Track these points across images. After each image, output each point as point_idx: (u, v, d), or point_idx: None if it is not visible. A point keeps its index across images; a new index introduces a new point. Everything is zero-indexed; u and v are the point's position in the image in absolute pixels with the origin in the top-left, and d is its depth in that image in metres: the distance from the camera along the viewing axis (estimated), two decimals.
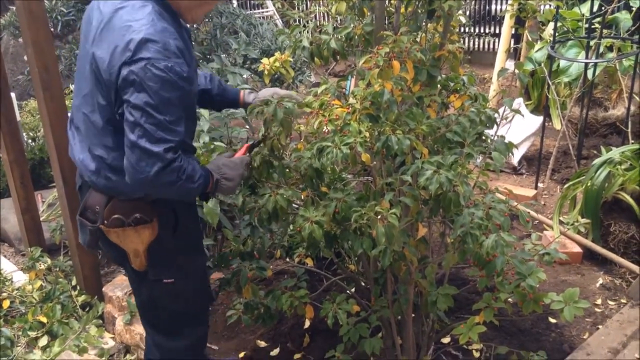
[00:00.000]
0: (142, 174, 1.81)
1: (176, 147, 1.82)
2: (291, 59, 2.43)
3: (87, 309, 3.19)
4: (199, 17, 2.10)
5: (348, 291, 2.61)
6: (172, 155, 1.81)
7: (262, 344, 2.96)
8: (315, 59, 2.29)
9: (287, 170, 2.19)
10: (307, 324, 2.98)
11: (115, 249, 2.09)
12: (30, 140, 4.93)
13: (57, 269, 3.50)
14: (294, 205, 2.20)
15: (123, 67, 1.78)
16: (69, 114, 2.15)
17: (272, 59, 2.43)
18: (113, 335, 3.04)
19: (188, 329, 2.30)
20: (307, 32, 2.32)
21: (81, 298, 3.21)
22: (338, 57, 2.27)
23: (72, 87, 5.54)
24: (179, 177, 1.85)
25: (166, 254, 2.10)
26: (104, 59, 1.84)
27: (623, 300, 3.21)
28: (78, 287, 3.28)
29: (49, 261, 3.52)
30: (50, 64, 2.88)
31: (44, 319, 3.03)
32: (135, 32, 1.79)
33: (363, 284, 2.63)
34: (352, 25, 2.25)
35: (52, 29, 5.28)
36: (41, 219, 3.87)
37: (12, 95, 4.08)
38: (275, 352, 2.89)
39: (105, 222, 2.01)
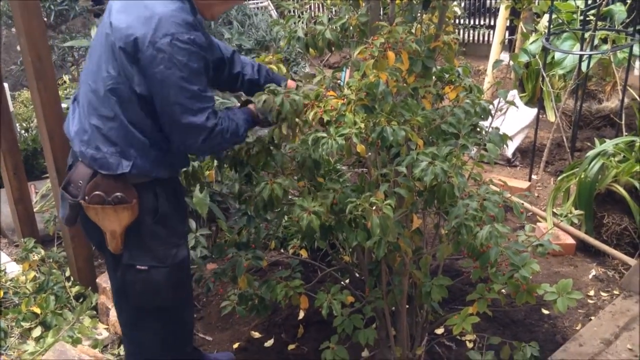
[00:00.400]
0: (192, 146, 2.00)
1: (213, 111, 1.97)
2: (284, 54, 2.43)
3: (81, 300, 3.19)
4: (218, 14, 2.19)
5: (342, 282, 2.62)
6: (213, 120, 1.95)
7: (256, 334, 2.96)
8: (310, 49, 2.28)
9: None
10: (301, 315, 2.99)
11: (94, 229, 2.10)
12: (23, 131, 4.91)
13: (51, 260, 3.49)
14: (289, 194, 2.20)
15: (148, 46, 1.86)
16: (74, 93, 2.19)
17: (267, 57, 2.43)
18: (107, 326, 3.04)
19: (156, 322, 2.26)
20: (302, 22, 2.32)
21: (75, 289, 3.20)
22: (333, 48, 2.27)
23: (65, 77, 5.53)
24: (223, 138, 1.99)
25: (143, 239, 2.09)
26: (120, 27, 1.91)
27: (616, 292, 3.23)
28: (72, 278, 3.28)
29: (43, 252, 3.51)
30: (44, 53, 2.86)
31: (38, 310, 3.03)
32: (155, 8, 1.89)
33: (357, 275, 2.64)
34: (347, 16, 2.25)
35: (45, 19, 5.25)
36: (34, 210, 3.85)
37: (5, 85, 4.05)
38: (269, 343, 2.89)
39: (86, 197, 2.02)
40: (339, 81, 2.28)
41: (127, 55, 1.90)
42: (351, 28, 2.24)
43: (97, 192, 2.01)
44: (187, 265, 2.26)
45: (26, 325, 2.97)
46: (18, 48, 5.78)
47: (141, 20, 1.88)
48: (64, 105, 3.16)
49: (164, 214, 2.11)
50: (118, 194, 2.01)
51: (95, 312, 3.11)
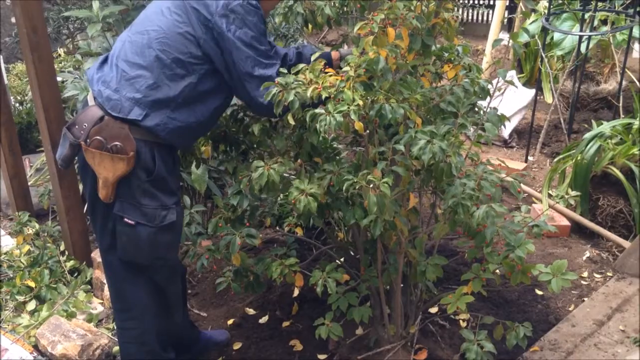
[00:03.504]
0: (262, 98, 2.04)
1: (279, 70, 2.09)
2: (282, 30, 2.41)
3: (76, 275, 3.19)
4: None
5: (337, 260, 2.62)
6: None
7: (251, 311, 2.97)
8: (309, 25, 2.26)
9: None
10: (295, 292, 2.99)
11: (89, 174, 2.13)
12: (17, 104, 4.87)
13: (45, 234, 3.49)
14: (285, 174, 2.18)
15: (222, 7, 2.02)
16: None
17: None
18: (102, 301, 3.04)
19: (139, 281, 2.27)
20: None
21: (69, 263, 3.20)
22: (332, 24, 2.25)
23: (60, 50, 5.47)
24: None
25: (134, 194, 2.10)
26: None
27: (609, 274, 3.24)
28: (66, 253, 3.27)
29: (37, 226, 3.50)
30: (39, 25, 2.83)
31: (32, 284, 3.03)
32: None
33: (352, 253, 2.64)
34: None
35: None
36: (29, 183, 3.84)
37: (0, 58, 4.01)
38: (264, 319, 2.90)
39: (87, 140, 2.06)
40: None
41: (198, 15, 2.04)
42: (351, 4, 2.21)
43: (98, 137, 2.05)
44: (175, 230, 2.23)
45: (21, 298, 2.97)
46: (12, 20, 5.71)
47: None
48: (59, 79, 3.13)
49: (160, 175, 2.12)
50: (117, 143, 2.04)
51: (89, 287, 3.11)
